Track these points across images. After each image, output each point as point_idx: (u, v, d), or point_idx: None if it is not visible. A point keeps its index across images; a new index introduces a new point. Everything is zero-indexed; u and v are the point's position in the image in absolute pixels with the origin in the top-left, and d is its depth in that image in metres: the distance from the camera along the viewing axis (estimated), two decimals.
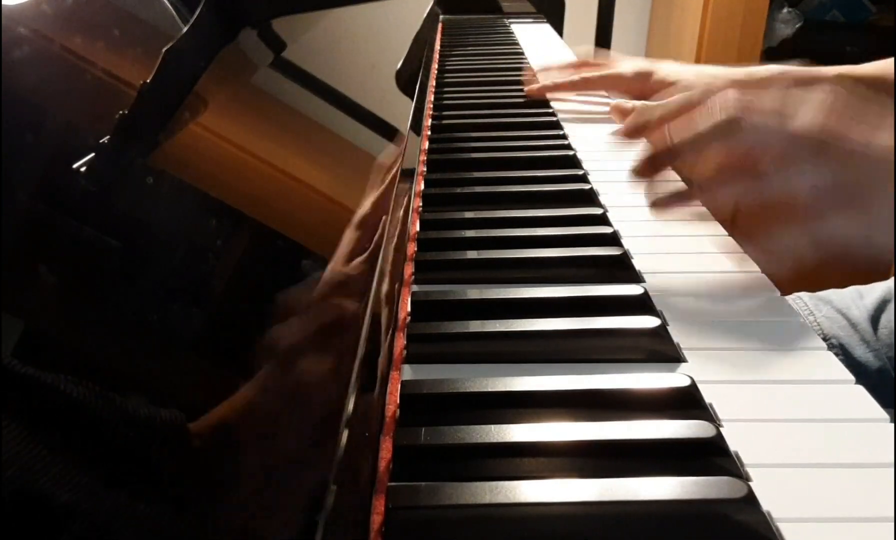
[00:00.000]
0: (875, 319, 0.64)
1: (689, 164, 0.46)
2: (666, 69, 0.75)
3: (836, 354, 0.62)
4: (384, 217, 0.38)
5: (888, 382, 0.61)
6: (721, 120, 0.42)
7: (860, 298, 0.67)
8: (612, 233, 0.46)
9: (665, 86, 0.72)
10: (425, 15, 1.02)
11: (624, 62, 0.79)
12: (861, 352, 0.62)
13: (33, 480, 0.18)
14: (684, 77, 0.72)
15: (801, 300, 0.68)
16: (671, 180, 0.51)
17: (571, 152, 0.61)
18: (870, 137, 0.41)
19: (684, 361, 0.35)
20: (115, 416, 0.21)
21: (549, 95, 0.78)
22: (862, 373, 0.61)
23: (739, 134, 0.42)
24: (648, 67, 0.75)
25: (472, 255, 0.44)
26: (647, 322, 0.36)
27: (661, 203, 0.46)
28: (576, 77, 0.78)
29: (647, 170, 0.46)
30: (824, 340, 0.63)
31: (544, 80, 0.80)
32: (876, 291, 0.67)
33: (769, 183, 0.41)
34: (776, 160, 0.41)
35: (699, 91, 0.49)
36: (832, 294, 0.68)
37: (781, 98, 0.43)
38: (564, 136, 0.66)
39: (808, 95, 0.43)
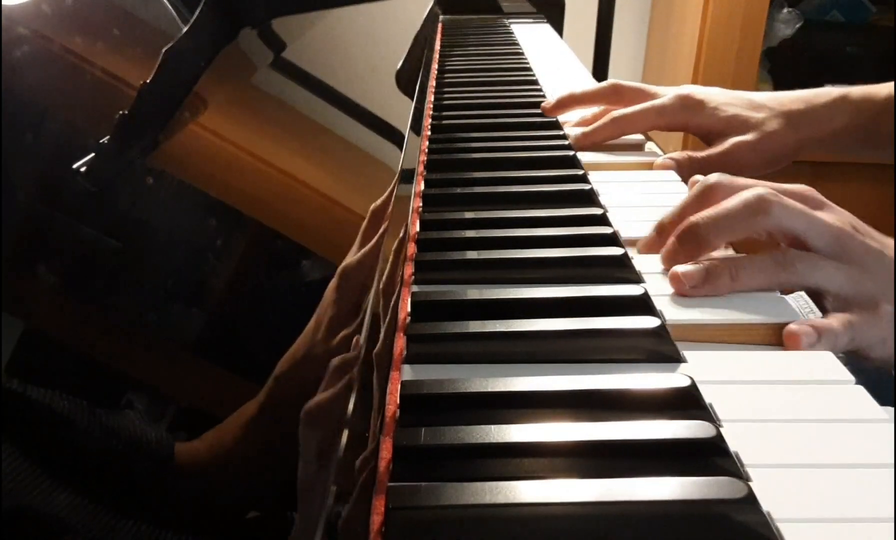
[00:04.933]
0: None
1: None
2: (717, 99, 0.66)
3: None
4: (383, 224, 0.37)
5: (885, 377, 0.61)
6: (750, 197, 0.42)
7: None
8: (611, 233, 0.46)
9: (718, 119, 0.65)
10: (425, 15, 1.02)
11: (662, 91, 0.69)
12: None
13: (22, 495, 0.18)
14: (733, 110, 0.65)
15: (802, 299, 0.68)
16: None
17: (571, 152, 0.61)
18: (884, 240, 0.43)
19: (684, 361, 0.35)
20: (101, 432, 0.21)
21: (587, 143, 0.66)
22: (859, 368, 0.61)
23: (768, 214, 0.42)
24: (697, 95, 0.66)
25: (472, 255, 0.44)
26: (647, 322, 0.36)
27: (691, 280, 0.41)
28: (607, 119, 0.66)
29: (676, 258, 0.43)
30: None
31: (564, 110, 0.72)
32: None
33: (794, 276, 0.41)
34: (801, 251, 0.42)
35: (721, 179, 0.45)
36: None
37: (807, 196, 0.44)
38: (564, 137, 0.66)
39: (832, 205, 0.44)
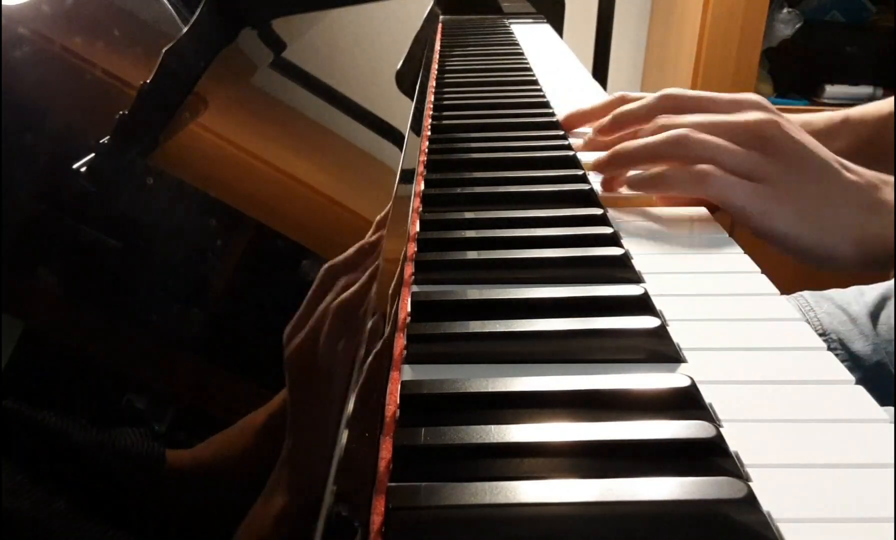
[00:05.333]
0: (875, 315, 0.65)
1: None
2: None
3: (835, 349, 0.62)
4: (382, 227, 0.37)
5: (885, 375, 0.61)
6: (671, 135, 0.50)
7: (861, 296, 0.67)
8: (611, 233, 0.46)
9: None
10: (425, 15, 1.02)
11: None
12: (860, 345, 0.63)
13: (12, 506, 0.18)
14: None
15: (802, 298, 0.69)
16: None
17: (571, 152, 0.61)
18: (805, 135, 0.50)
19: (684, 361, 0.35)
20: (90, 445, 0.21)
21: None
22: (860, 366, 0.62)
23: (687, 147, 0.50)
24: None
25: (472, 255, 0.44)
26: (647, 322, 0.36)
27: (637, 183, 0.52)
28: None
29: (604, 168, 0.55)
30: (823, 334, 0.64)
31: (573, 127, 0.69)
32: (877, 289, 0.68)
33: (719, 183, 0.48)
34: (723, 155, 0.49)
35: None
36: (834, 292, 0.69)
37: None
38: (564, 137, 0.66)
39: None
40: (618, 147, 0.53)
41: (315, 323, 0.29)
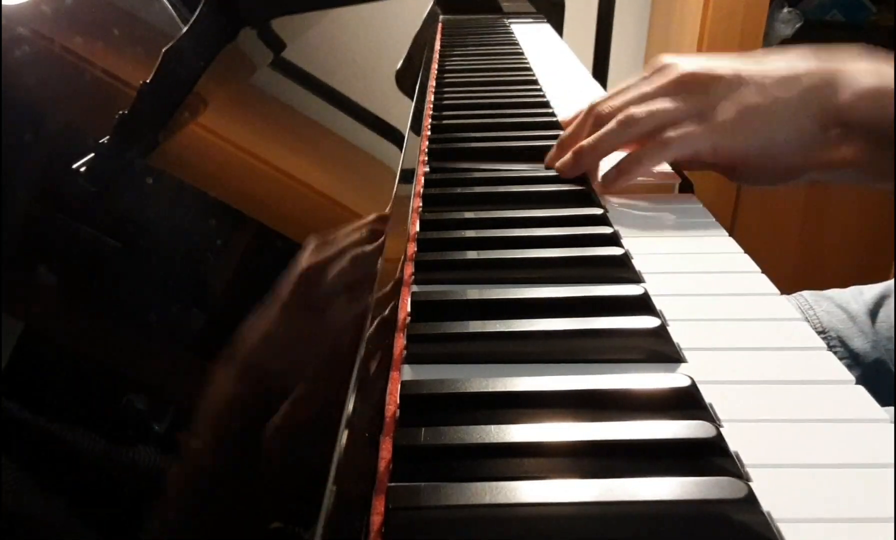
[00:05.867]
0: (874, 313, 0.65)
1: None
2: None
3: (835, 347, 0.62)
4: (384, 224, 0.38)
5: (884, 372, 0.61)
6: (618, 120, 0.52)
7: (860, 295, 0.67)
8: (612, 233, 0.46)
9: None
10: (425, 15, 1.02)
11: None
12: (859, 343, 0.63)
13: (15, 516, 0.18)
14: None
15: (802, 298, 0.69)
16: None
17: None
18: (717, 58, 0.52)
19: (684, 361, 0.35)
20: (88, 449, 0.21)
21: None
22: (859, 363, 0.62)
23: (637, 123, 0.51)
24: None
25: (472, 255, 0.44)
26: (647, 322, 0.36)
27: (609, 177, 0.54)
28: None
29: (569, 169, 0.55)
30: (823, 332, 0.64)
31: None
32: (876, 288, 0.68)
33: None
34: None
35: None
36: (833, 292, 0.69)
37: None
38: None
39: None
40: (577, 146, 0.54)
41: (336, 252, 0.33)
